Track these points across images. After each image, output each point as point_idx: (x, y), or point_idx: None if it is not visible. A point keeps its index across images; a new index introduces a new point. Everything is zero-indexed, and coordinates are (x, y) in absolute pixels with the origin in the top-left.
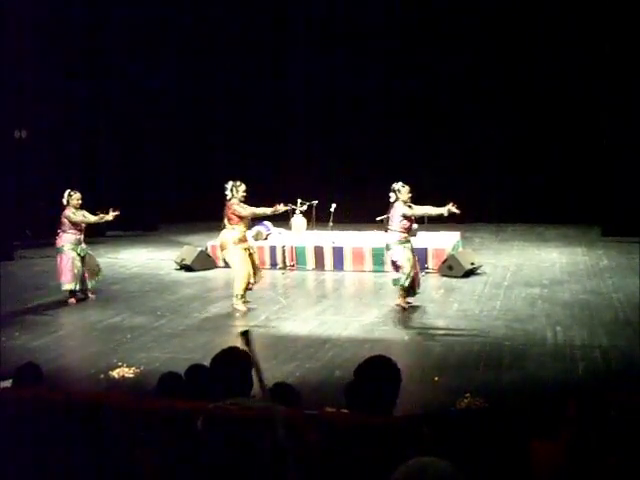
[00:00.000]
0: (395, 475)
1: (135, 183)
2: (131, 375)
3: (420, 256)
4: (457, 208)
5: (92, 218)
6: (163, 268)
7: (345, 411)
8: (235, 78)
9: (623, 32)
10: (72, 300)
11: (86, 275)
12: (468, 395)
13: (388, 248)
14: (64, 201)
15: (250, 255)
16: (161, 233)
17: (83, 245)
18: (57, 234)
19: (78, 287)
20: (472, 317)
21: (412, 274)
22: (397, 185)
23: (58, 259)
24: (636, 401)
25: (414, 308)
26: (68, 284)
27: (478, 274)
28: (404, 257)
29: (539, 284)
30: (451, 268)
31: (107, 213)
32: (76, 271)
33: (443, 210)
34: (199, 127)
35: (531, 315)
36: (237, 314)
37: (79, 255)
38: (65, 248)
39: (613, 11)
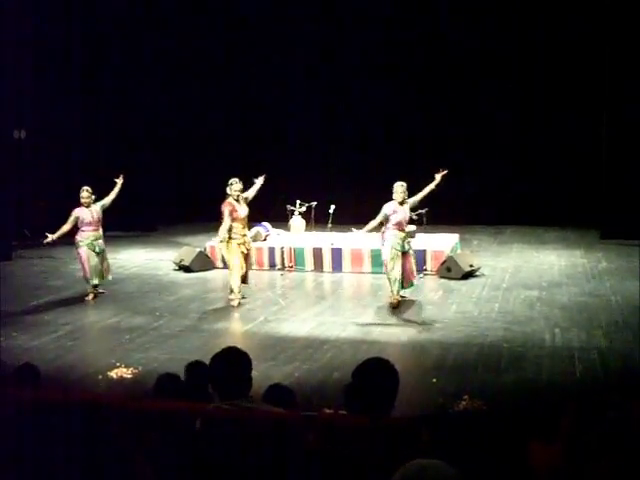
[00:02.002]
0: (395, 476)
1: (134, 183)
2: (129, 376)
3: (419, 258)
4: (443, 176)
5: (64, 228)
6: (162, 269)
7: (343, 413)
8: (235, 78)
9: (623, 38)
10: (89, 297)
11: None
12: (466, 397)
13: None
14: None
15: (244, 254)
16: (160, 234)
17: (100, 242)
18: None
19: (97, 281)
20: (470, 319)
21: (395, 275)
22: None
23: (76, 254)
24: (634, 403)
25: (412, 309)
26: (90, 278)
27: (477, 276)
28: (387, 256)
29: (538, 286)
30: (450, 270)
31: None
32: (93, 264)
33: (433, 184)
34: (198, 127)
35: (529, 317)
36: (235, 314)
37: (94, 251)
38: (81, 244)
39: (612, 13)
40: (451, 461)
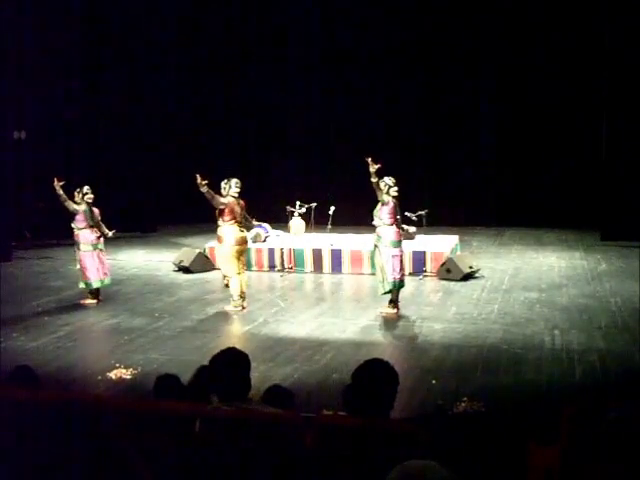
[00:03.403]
0: (390, 476)
1: (134, 184)
2: (128, 377)
3: (418, 259)
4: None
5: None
6: (161, 270)
7: (343, 414)
8: (236, 79)
9: (623, 32)
10: (83, 301)
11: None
12: (466, 398)
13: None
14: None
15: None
16: (160, 235)
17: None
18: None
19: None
20: (470, 321)
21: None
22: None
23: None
24: (634, 404)
25: (412, 311)
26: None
27: (476, 278)
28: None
29: (537, 288)
30: (449, 271)
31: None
32: None
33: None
34: (199, 128)
35: (529, 319)
36: (235, 315)
37: None
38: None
39: (613, 10)
40: (450, 462)
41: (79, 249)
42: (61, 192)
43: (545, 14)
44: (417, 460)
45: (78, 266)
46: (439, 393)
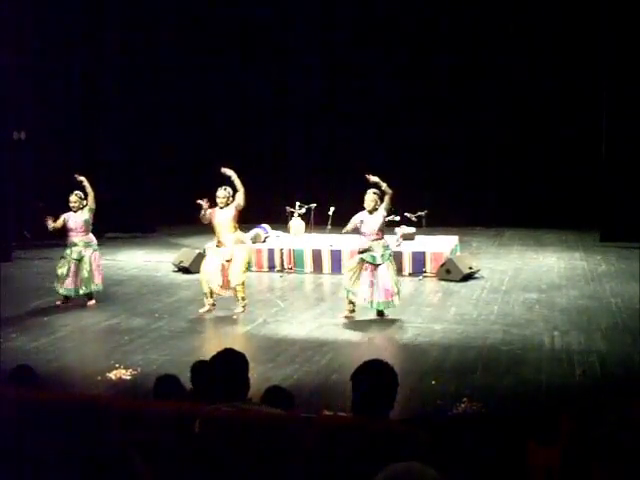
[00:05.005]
0: (379, 477)
1: (134, 185)
2: (128, 377)
3: (418, 260)
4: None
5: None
6: (161, 270)
7: (343, 414)
8: (236, 80)
9: (623, 35)
10: (91, 302)
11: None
12: (465, 399)
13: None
14: None
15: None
16: (159, 235)
17: (78, 248)
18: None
19: (62, 291)
20: (470, 321)
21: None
22: None
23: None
24: (633, 405)
25: (412, 311)
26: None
27: (476, 278)
28: (348, 266)
29: (537, 289)
30: (449, 272)
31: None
32: (59, 272)
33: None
34: (199, 128)
35: (529, 320)
36: (234, 315)
37: (72, 257)
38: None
39: (613, 13)
40: (450, 462)
41: (92, 249)
42: (89, 188)
43: (544, 15)
44: (400, 463)
45: (89, 269)
46: (439, 393)
